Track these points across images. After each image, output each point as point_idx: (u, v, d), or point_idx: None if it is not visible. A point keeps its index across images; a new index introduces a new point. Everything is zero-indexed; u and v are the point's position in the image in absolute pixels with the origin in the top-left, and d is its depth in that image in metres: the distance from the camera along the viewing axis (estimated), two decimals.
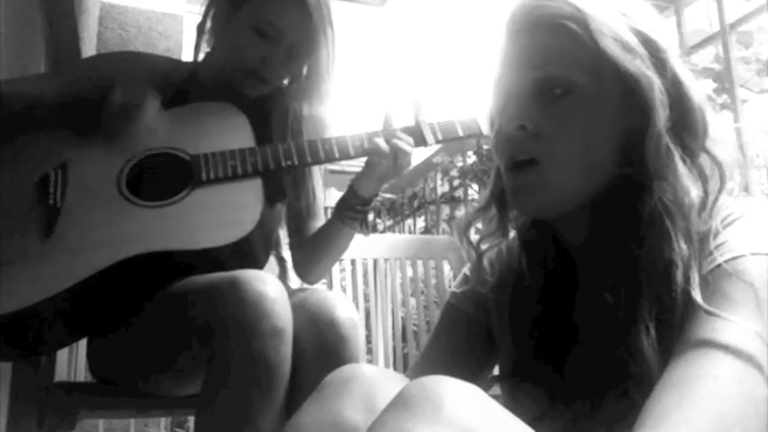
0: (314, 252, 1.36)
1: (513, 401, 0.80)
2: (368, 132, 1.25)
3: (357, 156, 1.24)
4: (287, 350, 1.02)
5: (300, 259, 1.39)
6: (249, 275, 1.03)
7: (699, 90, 0.72)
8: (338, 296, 1.16)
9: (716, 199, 0.69)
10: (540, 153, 0.72)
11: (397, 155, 1.22)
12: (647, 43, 0.71)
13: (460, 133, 1.27)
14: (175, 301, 1.10)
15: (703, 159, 0.70)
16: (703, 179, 0.69)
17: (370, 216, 1.39)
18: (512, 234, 0.87)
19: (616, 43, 0.70)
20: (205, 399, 1.00)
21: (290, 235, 1.42)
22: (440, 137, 1.26)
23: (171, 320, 1.10)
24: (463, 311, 0.88)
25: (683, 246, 0.65)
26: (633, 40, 0.70)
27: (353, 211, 1.28)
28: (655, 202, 0.67)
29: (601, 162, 0.72)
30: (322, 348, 1.07)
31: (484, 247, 0.86)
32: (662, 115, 0.68)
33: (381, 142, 1.22)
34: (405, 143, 1.23)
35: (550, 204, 0.74)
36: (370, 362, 1.91)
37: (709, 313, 0.61)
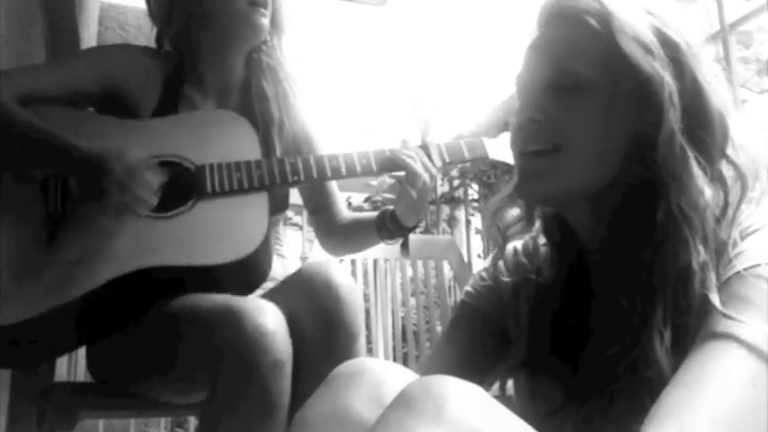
0: (349, 238, 1.42)
1: (528, 397, 0.80)
2: (374, 150, 1.24)
3: (364, 174, 1.23)
4: (287, 382, 1.01)
5: (334, 242, 1.45)
6: (248, 307, 1.01)
7: (721, 94, 0.71)
8: (334, 264, 1.15)
9: (737, 207, 0.68)
10: (554, 141, 0.73)
11: (424, 169, 1.22)
12: (668, 44, 0.70)
13: (467, 155, 1.28)
14: (173, 322, 1.09)
15: (726, 167, 0.69)
16: (723, 185, 0.68)
17: None
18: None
19: (635, 43, 0.69)
20: None
21: (317, 222, 1.46)
22: (447, 158, 1.26)
23: (168, 340, 1.09)
24: (478, 310, 0.88)
25: (701, 250, 0.65)
26: (652, 41, 0.70)
27: (392, 234, 1.30)
28: (671, 207, 0.67)
29: (610, 157, 0.72)
30: (321, 313, 1.06)
31: (510, 233, 0.87)
32: (672, 116, 0.68)
33: (406, 155, 1.22)
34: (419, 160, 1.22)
35: (554, 192, 0.75)
36: None
37: (725, 316, 0.61)
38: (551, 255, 0.83)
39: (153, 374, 1.14)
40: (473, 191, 3.21)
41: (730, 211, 0.67)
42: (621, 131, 0.71)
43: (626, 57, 0.69)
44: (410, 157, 1.22)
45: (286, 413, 1.01)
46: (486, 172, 3.02)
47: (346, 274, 1.13)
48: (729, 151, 0.69)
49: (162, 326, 1.11)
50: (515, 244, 0.88)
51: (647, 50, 0.69)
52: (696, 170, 0.67)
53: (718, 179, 0.69)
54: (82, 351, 1.65)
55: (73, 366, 1.79)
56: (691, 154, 0.68)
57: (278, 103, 1.33)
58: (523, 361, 0.81)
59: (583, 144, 0.72)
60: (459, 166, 3.24)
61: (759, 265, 0.63)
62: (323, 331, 1.06)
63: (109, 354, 1.20)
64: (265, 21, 1.30)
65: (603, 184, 0.73)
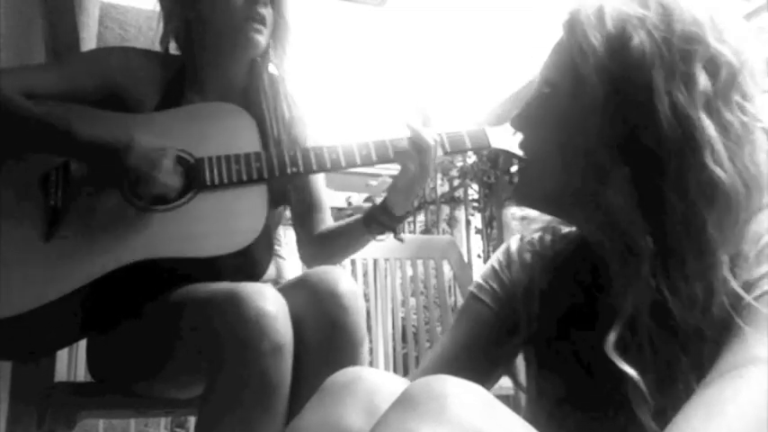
0: (329, 247, 1.37)
1: (534, 391, 0.81)
2: (374, 141, 1.22)
3: (363, 164, 1.22)
4: (287, 366, 1.00)
5: (311, 252, 1.40)
6: (248, 290, 1.01)
7: (684, 105, 0.65)
8: (339, 270, 1.15)
9: (728, 219, 0.65)
10: (524, 149, 0.79)
11: (421, 151, 1.18)
12: (618, 53, 0.67)
13: (468, 145, 1.25)
14: (174, 311, 1.09)
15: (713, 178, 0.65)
16: (698, 197, 0.65)
17: None
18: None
19: (581, 53, 0.69)
20: (205, 418, 0.99)
21: (297, 228, 1.42)
22: (448, 148, 1.23)
23: (169, 330, 1.09)
24: (487, 305, 0.88)
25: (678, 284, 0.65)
26: (597, 49, 0.68)
27: (383, 226, 1.27)
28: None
29: (570, 165, 0.72)
30: (324, 320, 1.06)
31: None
32: (591, 128, 0.68)
33: (403, 142, 1.20)
34: (425, 136, 1.19)
35: (528, 200, 0.80)
36: (370, 363, 1.91)
37: (746, 338, 0.61)
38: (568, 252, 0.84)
39: (154, 367, 1.14)
40: (473, 191, 3.20)
41: (709, 227, 0.64)
42: (581, 142, 0.70)
43: (574, 65, 0.70)
44: (419, 141, 1.19)
45: (286, 399, 1.00)
46: (486, 172, 3.01)
47: (351, 279, 1.13)
48: (709, 162, 0.64)
49: (162, 315, 1.11)
50: (530, 237, 0.89)
51: (587, 58, 0.69)
52: (615, 176, 0.67)
53: (695, 194, 0.65)
54: (82, 351, 1.65)
55: (73, 366, 1.79)
56: (611, 159, 0.67)
57: (274, 118, 1.33)
58: (532, 340, 0.81)
59: (538, 152, 0.77)
60: (460, 165, 3.24)
61: None
62: (327, 338, 1.05)
63: (109, 351, 1.20)
64: (261, 38, 1.28)
65: (569, 191, 0.73)
